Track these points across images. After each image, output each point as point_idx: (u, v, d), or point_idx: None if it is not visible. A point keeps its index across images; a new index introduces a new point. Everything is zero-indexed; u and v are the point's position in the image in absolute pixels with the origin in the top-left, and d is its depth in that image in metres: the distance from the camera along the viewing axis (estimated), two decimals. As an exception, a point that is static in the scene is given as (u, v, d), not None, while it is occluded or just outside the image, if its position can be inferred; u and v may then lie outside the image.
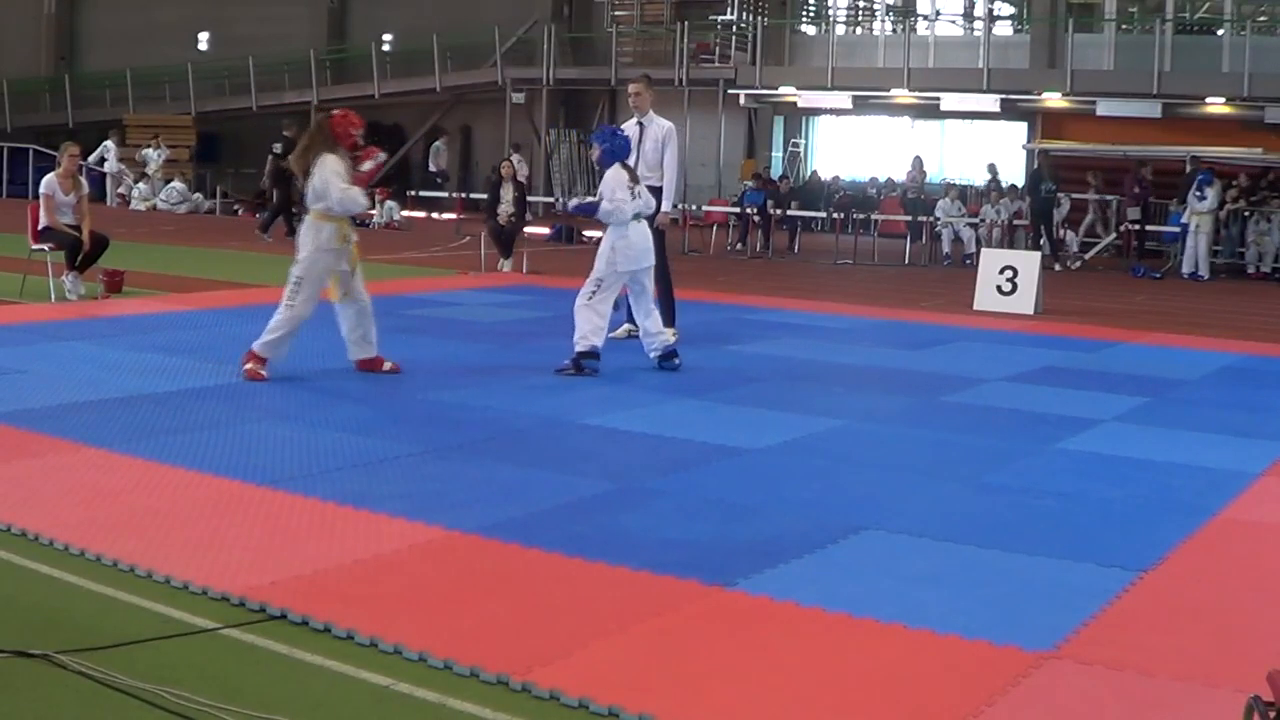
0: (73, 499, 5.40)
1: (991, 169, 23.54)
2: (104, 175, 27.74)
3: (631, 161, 10.08)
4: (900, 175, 26.05)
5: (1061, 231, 21.83)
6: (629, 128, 10.54)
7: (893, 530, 5.44)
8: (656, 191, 10.26)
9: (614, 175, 9.15)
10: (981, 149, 25.71)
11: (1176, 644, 4.27)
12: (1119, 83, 24.25)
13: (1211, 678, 3.98)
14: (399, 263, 17.67)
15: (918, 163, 25.11)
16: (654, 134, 10.41)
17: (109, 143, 28.51)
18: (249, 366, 8.28)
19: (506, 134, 28.50)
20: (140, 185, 28.09)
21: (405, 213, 25.78)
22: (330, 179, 8.18)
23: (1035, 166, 22.03)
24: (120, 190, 28.29)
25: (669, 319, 10.19)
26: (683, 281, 14.72)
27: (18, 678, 3.65)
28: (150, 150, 28.55)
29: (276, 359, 8.35)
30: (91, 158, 26.20)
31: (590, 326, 8.96)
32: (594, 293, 9.02)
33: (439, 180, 28.08)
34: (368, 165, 8.52)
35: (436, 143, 28.98)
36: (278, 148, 21.79)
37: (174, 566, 4.57)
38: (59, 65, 35.43)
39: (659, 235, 9.94)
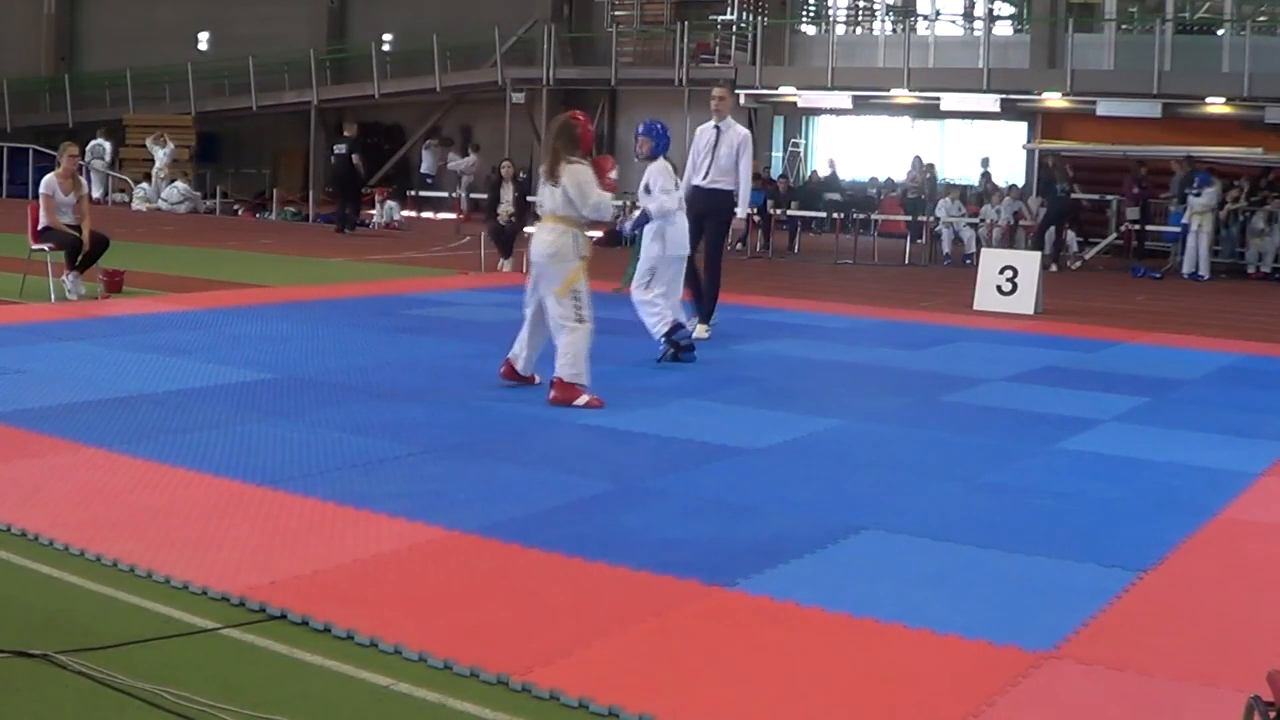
0: (73, 499, 5.40)
1: (984, 162, 23.53)
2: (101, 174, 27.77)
3: (706, 164, 10.67)
4: (900, 175, 26.04)
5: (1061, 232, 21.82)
6: (705, 130, 10.92)
7: (893, 530, 5.44)
8: (727, 195, 10.75)
9: (662, 167, 9.53)
10: (981, 149, 25.68)
11: (1176, 644, 4.27)
12: (1119, 83, 24.23)
13: (1211, 678, 3.98)
14: (399, 263, 17.68)
15: (917, 162, 25.10)
16: (730, 139, 10.70)
17: (104, 143, 28.45)
18: (586, 400, 7.83)
19: (507, 134, 28.49)
20: (144, 185, 28.09)
21: (405, 213, 25.79)
22: (587, 185, 7.96)
23: (1049, 166, 21.94)
24: (110, 196, 28.25)
25: (709, 314, 10.88)
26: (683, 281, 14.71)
27: (18, 678, 3.65)
28: (157, 147, 28.54)
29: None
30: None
31: (657, 314, 9.30)
32: (648, 282, 9.25)
33: (427, 181, 28.40)
34: (614, 174, 8.57)
35: (429, 142, 29.15)
36: (341, 148, 23.08)
37: (174, 566, 4.57)
38: (59, 65, 35.41)
39: (723, 232, 10.85)
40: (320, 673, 3.81)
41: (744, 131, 10.88)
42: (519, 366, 8.32)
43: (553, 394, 7.89)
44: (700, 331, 10.72)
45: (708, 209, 10.73)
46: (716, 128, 10.74)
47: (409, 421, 7.23)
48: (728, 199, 10.74)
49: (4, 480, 5.63)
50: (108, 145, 28.69)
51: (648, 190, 9.65)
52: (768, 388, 8.77)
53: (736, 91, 26.92)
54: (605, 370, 9.08)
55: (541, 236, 8.01)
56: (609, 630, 4.18)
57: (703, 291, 10.79)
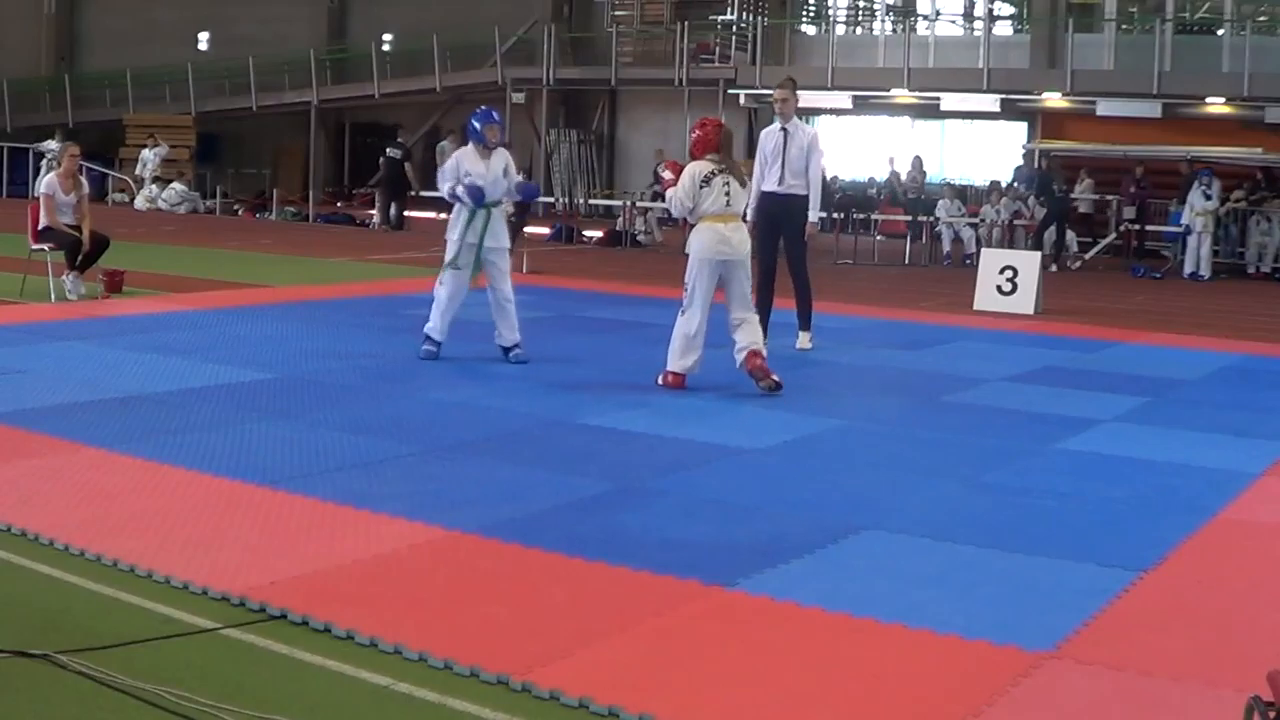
0: (73, 499, 5.40)
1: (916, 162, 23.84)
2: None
3: (778, 169, 10.23)
4: (900, 175, 26.02)
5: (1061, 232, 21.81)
6: (771, 134, 10.43)
7: (893, 530, 5.44)
8: (804, 199, 10.24)
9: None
10: (982, 149, 25.69)
11: (1176, 644, 4.27)
12: (1119, 83, 24.24)
13: (1211, 678, 3.98)
14: (399, 262, 17.68)
15: (917, 163, 25.10)
16: (799, 140, 10.26)
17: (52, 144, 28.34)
18: (778, 379, 8.38)
19: (506, 134, 28.41)
20: (151, 186, 28.09)
21: (405, 213, 25.77)
22: None
23: (1045, 168, 21.93)
24: (111, 196, 28.24)
25: (809, 321, 10.56)
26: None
27: (18, 678, 3.65)
28: (146, 150, 28.52)
29: None
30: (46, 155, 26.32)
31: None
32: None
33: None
34: None
35: (442, 142, 28.95)
36: (395, 153, 24.89)
37: (174, 566, 4.57)
38: (59, 65, 35.41)
39: (803, 238, 10.28)
40: (320, 673, 3.81)
41: (813, 131, 10.49)
42: (695, 371, 8.55)
43: (759, 361, 8.42)
44: (804, 341, 10.38)
45: (785, 216, 10.27)
46: (784, 129, 10.27)
47: (409, 421, 7.23)
48: (804, 204, 10.28)
49: (4, 480, 5.63)
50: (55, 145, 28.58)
51: (506, 174, 9.40)
52: (768, 388, 8.76)
53: (735, 91, 26.97)
54: (602, 372, 9.09)
55: (741, 235, 8.56)
56: (609, 630, 4.18)
57: (798, 301, 10.49)
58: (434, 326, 9.32)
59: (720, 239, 8.38)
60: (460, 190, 9.18)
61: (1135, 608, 4.62)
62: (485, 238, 9.25)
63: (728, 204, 8.42)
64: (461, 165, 9.28)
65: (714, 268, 8.43)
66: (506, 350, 9.33)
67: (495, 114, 9.62)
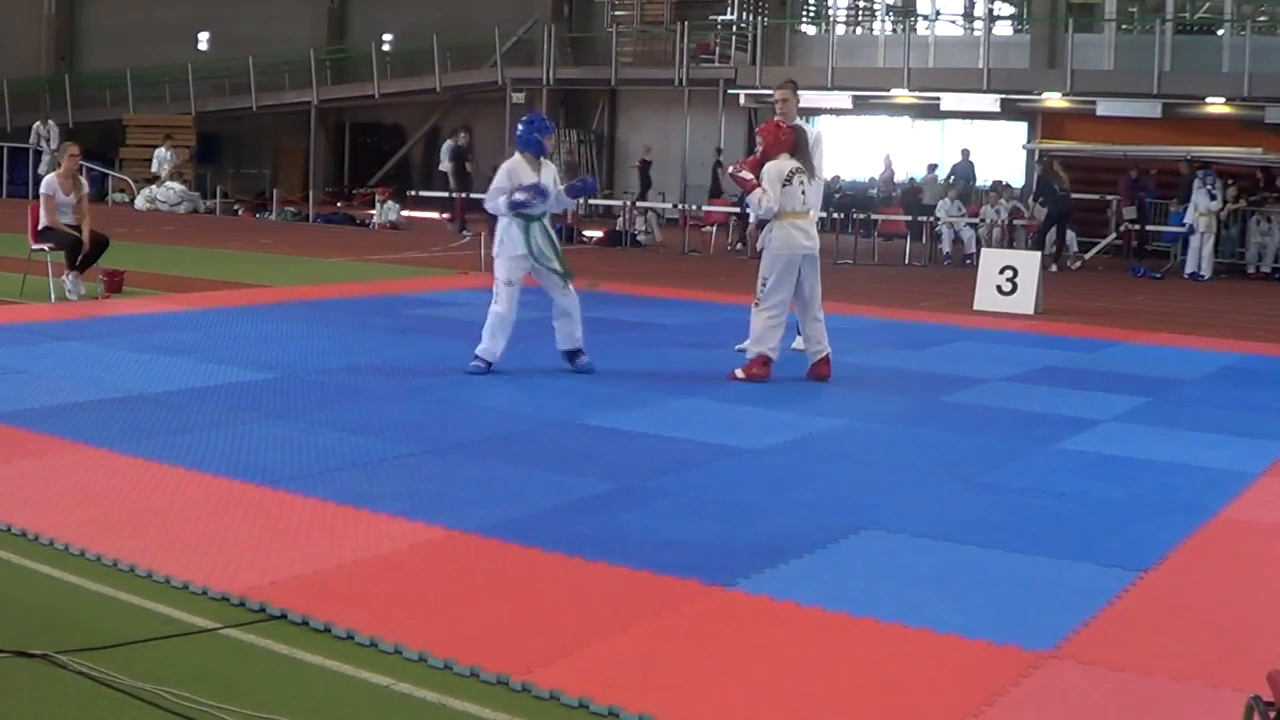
0: (73, 499, 5.40)
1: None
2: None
3: None
4: (901, 175, 26.04)
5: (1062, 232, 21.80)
6: None
7: (893, 530, 5.44)
8: None
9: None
10: (982, 149, 25.69)
11: (1176, 644, 4.27)
12: (1119, 83, 24.25)
13: (1211, 678, 3.98)
14: (399, 263, 17.68)
15: (887, 161, 25.18)
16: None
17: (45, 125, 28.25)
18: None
19: (506, 134, 28.46)
20: (152, 186, 28.11)
21: (405, 213, 25.79)
22: None
23: (1043, 169, 21.90)
24: (111, 196, 28.25)
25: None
26: (683, 281, 14.73)
27: (18, 678, 3.65)
28: (162, 149, 28.57)
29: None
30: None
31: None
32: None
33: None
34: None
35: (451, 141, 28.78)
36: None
37: (174, 566, 4.57)
38: (59, 65, 35.43)
39: None
40: (320, 673, 3.81)
41: (816, 131, 10.23)
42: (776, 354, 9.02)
43: (826, 370, 9.06)
44: (799, 343, 9.76)
45: None
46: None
47: (409, 421, 7.23)
48: None
49: (4, 480, 5.63)
50: (46, 126, 28.55)
51: (555, 183, 9.00)
52: (768, 388, 8.77)
53: (735, 91, 26.97)
54: (602, 372, 9.09)
55: (815, 231, 9.06)
56: (609, 630, 4.18)
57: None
58: (487, 349, 8.83)
59: (802, 234, 8.87)
60: (520, 195, 8.66)
61: (1135, 608, 4.62)
62: (543, 248, 8.88)
63: (804, 201, 8.89)
64: (514, 176, 8.77)
65: (794, 263, 8.85)
66: (572, 355, 8.98)
67: (550, 122, 9.32)
